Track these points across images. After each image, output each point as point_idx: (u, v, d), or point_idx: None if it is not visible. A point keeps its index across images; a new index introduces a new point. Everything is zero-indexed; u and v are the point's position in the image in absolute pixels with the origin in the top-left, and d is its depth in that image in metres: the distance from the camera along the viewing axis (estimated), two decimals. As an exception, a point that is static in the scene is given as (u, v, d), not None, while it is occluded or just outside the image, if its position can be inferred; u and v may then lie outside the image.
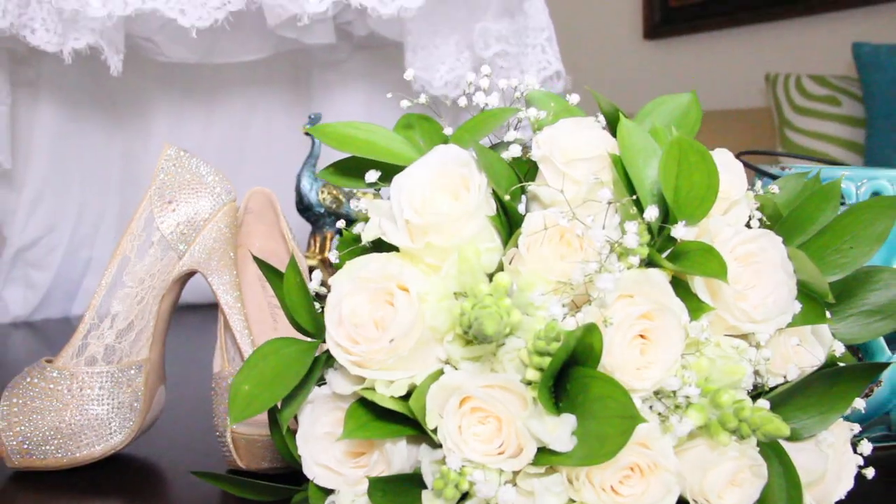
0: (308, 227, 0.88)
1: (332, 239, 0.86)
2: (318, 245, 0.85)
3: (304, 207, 0.81)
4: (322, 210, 0.80)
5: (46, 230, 1.06)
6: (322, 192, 0.78)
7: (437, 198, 0.35)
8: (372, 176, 0.38)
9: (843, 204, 0.45)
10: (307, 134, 0.73)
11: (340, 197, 0.78)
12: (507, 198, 0.35)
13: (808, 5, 2.05)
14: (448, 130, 0.40)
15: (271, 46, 0.92)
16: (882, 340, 0.49)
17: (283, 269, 0.39)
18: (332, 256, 0.40)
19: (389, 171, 0.37)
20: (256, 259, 0.41)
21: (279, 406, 0.37)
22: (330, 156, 0.45)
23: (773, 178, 0.52)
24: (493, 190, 0.36)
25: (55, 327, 1.05)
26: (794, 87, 1.85)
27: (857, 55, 1.75)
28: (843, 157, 1.77)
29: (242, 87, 1.05)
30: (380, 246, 0.37)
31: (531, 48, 0.81)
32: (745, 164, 0.52)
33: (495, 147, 0.41)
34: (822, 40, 2.02)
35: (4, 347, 0.98)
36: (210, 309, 0.62)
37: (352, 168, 0.41)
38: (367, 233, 0.37)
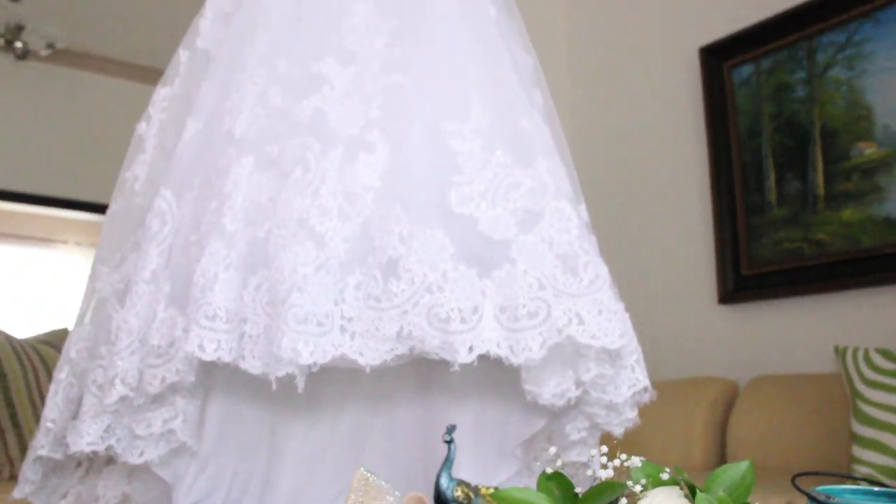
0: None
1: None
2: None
3: (441, 502, 0.99)
4: (456, 505, 0.99)
5: (205, 495, 1.23)
6: (457, 489, 0.97)
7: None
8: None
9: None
10: (447, 442, 0.92)
11: (470, 493, 0.96)
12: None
13: (874, 278, 2.23)
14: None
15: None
16: None
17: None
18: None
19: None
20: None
21: None
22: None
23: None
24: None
25: None
26: (863, 360, 1.99)
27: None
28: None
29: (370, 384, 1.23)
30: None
31: (623, 368, 1.00)
32: (797, 489, 0.68)
33: None
34: (890, 313, 2.18)
35: None
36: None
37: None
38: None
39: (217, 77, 1.09)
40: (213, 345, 0.90)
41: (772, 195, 2.52)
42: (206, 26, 1.20)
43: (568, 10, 3.23)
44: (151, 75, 5.48)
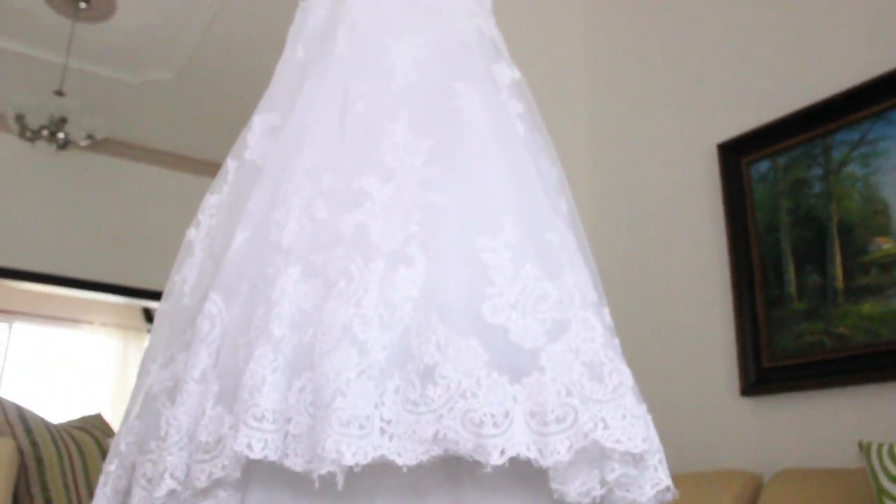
0: None
1: None
2: None
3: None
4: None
5: None
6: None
7: None
8: None
9: None
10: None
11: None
12: None
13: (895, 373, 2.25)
14: None
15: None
16: None
17: None
18: None
19: None
20: None
21: None
22: None
23: None
24: None
25: None
26: (888, 456, 2.00)
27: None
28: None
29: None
30: None
31: (647, 469, 1.04)
32: None
33: None
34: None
35: None
36: None
37: None
38: None
39: (265, 189, 1.18)
40: (260, 444, 0.96)
41: (791, 288, 2.57)
42: (253, 139, 1.30)
43: (588, 106, 3.35)
44: (181, 163, 5.67)
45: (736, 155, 2.79)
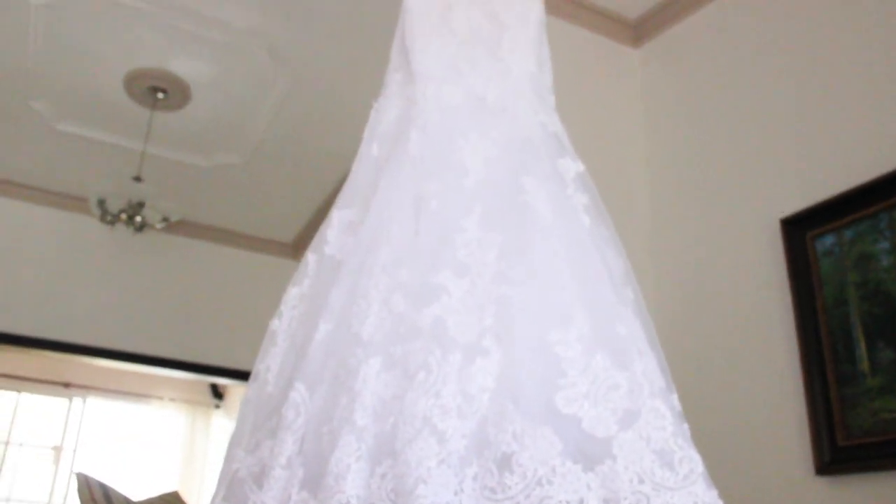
0: None
1: None
2: None
3: None
4: None
5: None
6: None
7: None
8: None
9: None
10: None
11: None
12: None
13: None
14: None
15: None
16: None
17: None
18: None
19: None
20: None
21: None
22: None
23: None
24: None
25: None
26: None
27: None
28: None
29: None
30: None
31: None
32: None
33: None
34: None
35: None
36: None
37: None
38: None
39: (345, 282, 1.25)
40: (345, 528, 1.01)
41: (864, 364, 2.52)
42: (332, 234, 1.38)
43: (648, 187, 3.40)
44: (248, 242, 5.85)
45: (800, 230, 2.79)
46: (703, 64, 3.35)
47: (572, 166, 1.35)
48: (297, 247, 5.82)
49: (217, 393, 8.18)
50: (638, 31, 3.63)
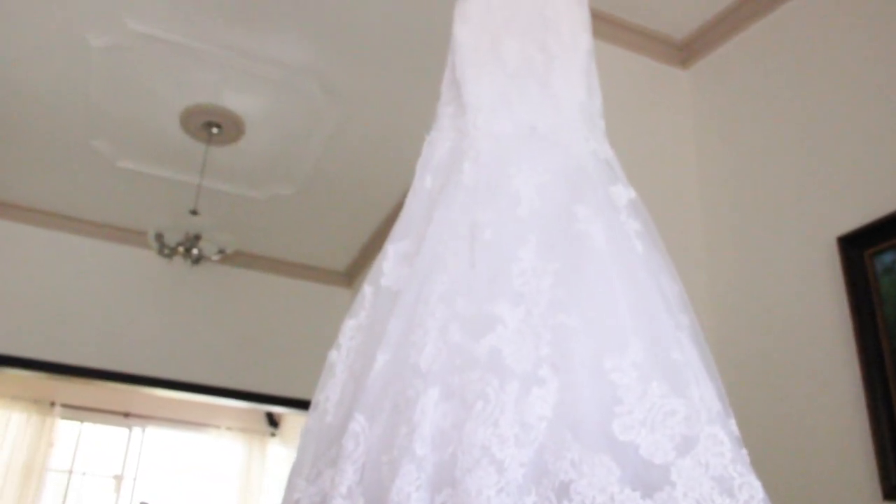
0: None
1: None
2: None
3: None
4: None
5: None
6: None
7: None
8: None
9: None
10: None
11: None
12: None
13: None
14: None
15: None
16: None
17: None
18: None
19: None
20: None
21: None
22: None
23: None
24: None
25: None
26: None
27: None
28: None
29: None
30: None
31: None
32: None
33: None
34: None
35: None
36: None
37: None
38: None
39: (402, 313, 1.27)
40: (407, 556, 1.02)
41: (929, 384, 2.46)
42: (388, 266, 1.40)
43: (701, 209, 3.37)
44: (302, 272, 5.93)
45: (858, 247, 2.74)
46: (752, 82, 3.32)
47: (624, 193, 1.36)
48: (349, 275, 5.89)
49: (273, 421, 8.27)
50: (686, 52, 3.62)
